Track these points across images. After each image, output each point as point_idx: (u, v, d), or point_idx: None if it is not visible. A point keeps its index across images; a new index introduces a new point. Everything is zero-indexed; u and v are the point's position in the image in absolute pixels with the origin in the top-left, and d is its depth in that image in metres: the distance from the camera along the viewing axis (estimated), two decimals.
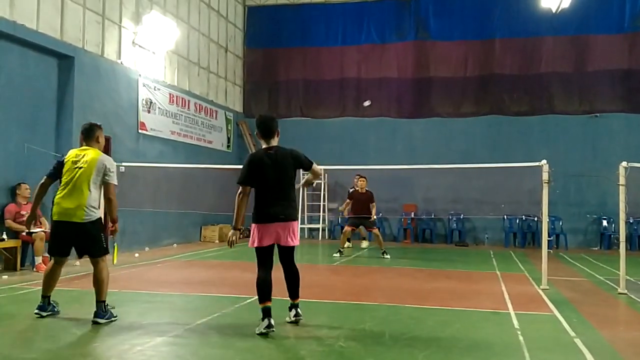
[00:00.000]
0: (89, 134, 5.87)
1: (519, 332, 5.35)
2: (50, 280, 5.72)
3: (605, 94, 16.38)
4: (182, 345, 4.83)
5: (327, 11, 18.35)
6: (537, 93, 16.79)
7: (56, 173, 5.75)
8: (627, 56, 16.26)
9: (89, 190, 5.56)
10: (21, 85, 9.95)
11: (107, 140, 11.56)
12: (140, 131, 12.98)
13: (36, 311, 5.65)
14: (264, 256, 5.30)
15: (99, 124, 6.02)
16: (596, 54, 16.43)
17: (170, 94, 14.30)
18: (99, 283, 5.63)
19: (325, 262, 11.03)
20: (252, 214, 5.36)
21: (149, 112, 13.32)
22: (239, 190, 5.30)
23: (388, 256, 11.88)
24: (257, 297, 5.21)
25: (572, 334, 5.33)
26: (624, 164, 7.73)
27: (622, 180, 7.67)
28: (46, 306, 5.70)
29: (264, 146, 5.42)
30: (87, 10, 11.37)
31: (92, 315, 5.50)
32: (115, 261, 6.34)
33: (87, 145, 5.82)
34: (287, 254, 5.45)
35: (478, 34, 17.16)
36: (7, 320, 5.72)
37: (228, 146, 17.56)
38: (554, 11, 15.00)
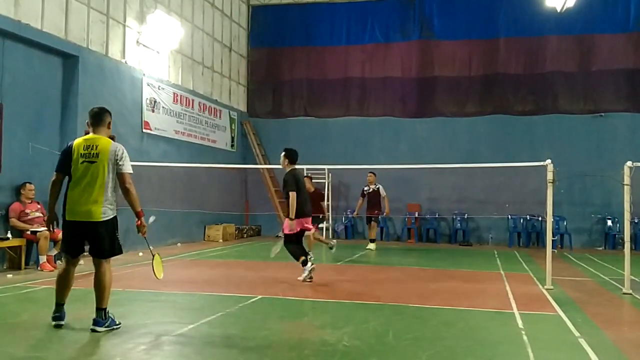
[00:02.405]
0: (98, 118, 5.23)
1: (523, 332, 5.34)
2: (64, 285, 5.21)
3: (610, 94, 16.32)
4: (186, 345, 4.84)
5: (331, 10, 18.35)
6: (542, 92, 16.74)
7: (65, 165, 5.16)
8: (632, 56, 16.21)
9: (106, 186, 5.08)
10: (26, 84, 9.98)
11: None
12: (144, 130, 13.00)
13: (54, 323, 5.14)
14: (298, 237, 8.34)
15: (107, 108, 5.46)
16: (601, 53, 16.39)
17: (174, 94, 14.32)
18: (101, 288, 5.11)
19: (329, 262, 11.02)
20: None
21: (153, 111, 13.34)
22: (294, 195, 8.12)
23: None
24: (297, 259, 8.09)
25: (577, 334, 5.31)
26: (629, 163, 7.71)
27: (627, 180, 7.66)
28: (62, 314, 5.19)
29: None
30: (91, 10, 11.39)
31: (91, 323, 5.06)
32: (161, 276, 5.88)
33: (95, 133, 5.22)
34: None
35: (482, 33, 17.13)
36: (12, 319, 5.72)
37: (232, 145, 17.57)
38: (558, 10, 14.93)
